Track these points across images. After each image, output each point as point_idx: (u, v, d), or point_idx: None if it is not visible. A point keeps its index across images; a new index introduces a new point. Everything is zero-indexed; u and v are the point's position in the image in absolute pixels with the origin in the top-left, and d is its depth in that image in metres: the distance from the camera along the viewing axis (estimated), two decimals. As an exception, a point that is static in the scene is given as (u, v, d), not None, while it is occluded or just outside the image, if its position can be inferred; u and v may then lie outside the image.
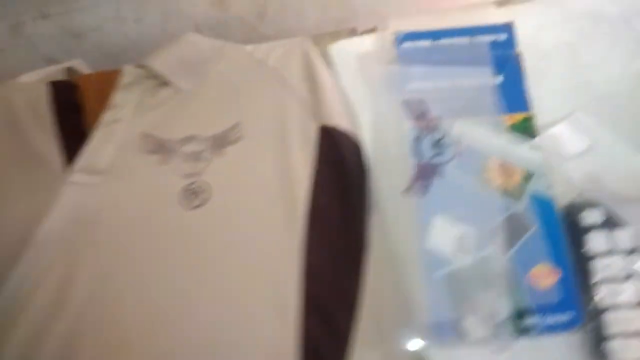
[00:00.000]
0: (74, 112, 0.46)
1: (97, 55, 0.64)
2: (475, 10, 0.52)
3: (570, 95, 0.50)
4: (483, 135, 0.46)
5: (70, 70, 0.49)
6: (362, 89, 0.50)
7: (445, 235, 0.43)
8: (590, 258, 0.43)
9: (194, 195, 0.44)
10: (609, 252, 0.43)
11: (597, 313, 0.41)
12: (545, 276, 0.42)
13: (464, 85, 0.47)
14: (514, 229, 0.43)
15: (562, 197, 0.45)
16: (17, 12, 0.58)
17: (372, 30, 0.52)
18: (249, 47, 0.49)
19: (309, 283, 0.41)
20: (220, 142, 0.46)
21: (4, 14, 0.58)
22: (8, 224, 0.42)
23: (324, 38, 0.52)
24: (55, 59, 0.63)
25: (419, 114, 0.46)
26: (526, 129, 0.46)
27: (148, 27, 0.64)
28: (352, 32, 0.52)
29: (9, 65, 0.62)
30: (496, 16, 0.51)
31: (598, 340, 0.40)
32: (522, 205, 0.44)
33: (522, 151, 0.46)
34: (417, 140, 0.46)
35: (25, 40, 0.61)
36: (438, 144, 0.45)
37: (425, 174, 0.45)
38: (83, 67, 0.52)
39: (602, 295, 0.41)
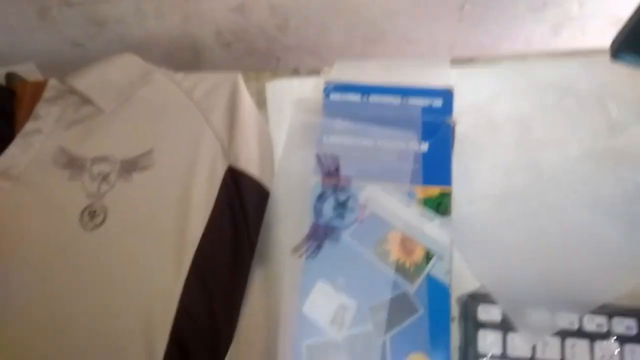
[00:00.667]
0: (4, 119, 0.48)
1: (121, 45, 0.67)
2: (428, 67, 0.49)
3: (511, 173, 0.46)
4: (391, 204, 0.43)
5: (10, 76, 0.51)
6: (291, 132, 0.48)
7: (325, 304, 0.41)
8: (480, 357, 0.39)
9: (91, 216, 0.44)
10: (500, 356, 0.39)
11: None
12: (418, 368, 0.39)
13: (385, 147, 0.45)
14: (399, 309, 0.40)
15: (464, 285, 0.42)
16: None
17: (315, 72, 0.50)
18: (179, 76, 0.49)
19: (179, 326, 0.40)
20: (129, 167, 0.46)
21: (31, -1, 0.61)
22: None
23: (264, 74, 0.51)
24: (81, 43, 0.67)
25: (331, 170, 0.44)
26: (440, 205, 0.43)
27: (169, 25, 0.66)
28: (295, 72, 0.51)
29: (36, 45, 0.67)
30: (447, 77, 0.48)
31: None
32: (414, 287, 0.41)
33: (429, 228, 0.42)
34: (321, 198, 0.44)
35: (51, 24, 0.64)
36: (341, 206, 0.43)
37: (319, 235, 0.42)
38: (33, 72, 0.53)
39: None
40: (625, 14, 0.43)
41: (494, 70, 0.50)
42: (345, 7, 0.65)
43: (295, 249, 0.42)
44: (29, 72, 0.53)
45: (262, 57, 0.72)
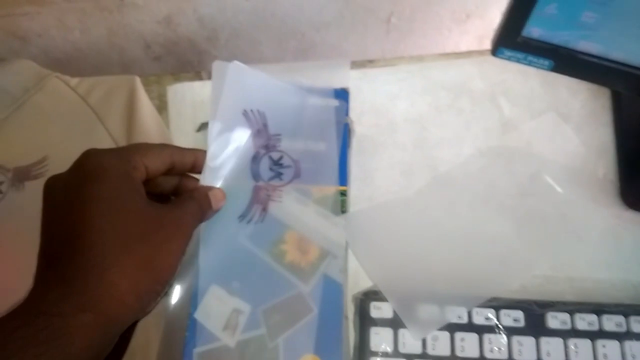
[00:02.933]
0: None
1: (46, 59, 0.65)
2: (329, 68, 0.49)
3: (408, 172, 0.46)
4: (289, 203, 0.43)
5: None
6: (191, 136, 0.48)
7: (218, 309, 0.40)
8: (372, 355, 0.39)
9: (-22, 227, 0.43)
10: (391, 354, 0.39)
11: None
12: (311, 370, 0.39)
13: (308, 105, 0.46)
14: (293, 311, 0.40)
15: (359, 284, 0.42)
16: None
17: (217, 77, 0.50)
18: (75, 80, 0.48)
19: None
20: (22, 176, 0.44)
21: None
22: None
23: (166, 77, 0.50)
24: (4, 58, 0.63)
25: (260, 127, 0.44)
26: (336, 204, 0.43)
27: (95, 38, 0.64)
28: (197, 76, 0.50)
29: None
30: (346, 78, 0.48)
31: None
32: (309, 287, 0.41)
33: (324, 227, 0.42)
34: (255, 159, 0.44)
35: None
36: (277, 164, 0.43)
37: (261, 198, 0.43)
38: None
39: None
40: None
41: (392, 72, 0.51)
42: (274, 19, 0.66)
43: (242, 216, 0.42)
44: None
45: (193, 70, 0.71)
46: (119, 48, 0.66)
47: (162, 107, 0.49)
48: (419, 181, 0.46)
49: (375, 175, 0.46)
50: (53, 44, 0.64)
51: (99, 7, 0.59)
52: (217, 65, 0.43)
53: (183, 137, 0.48)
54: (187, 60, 0.71)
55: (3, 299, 0.40)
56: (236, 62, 0.44)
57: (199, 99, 0.49)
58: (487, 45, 0.72)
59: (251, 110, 0.44)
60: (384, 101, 0.49)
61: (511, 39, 0.39)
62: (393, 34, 0.71)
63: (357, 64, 0.51)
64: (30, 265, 0.41)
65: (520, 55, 0.40)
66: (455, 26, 0.71)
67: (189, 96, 0.49)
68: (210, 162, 0.40)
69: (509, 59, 0.40)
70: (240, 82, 0.44)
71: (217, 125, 0.41)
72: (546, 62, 0.39)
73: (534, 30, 0.37)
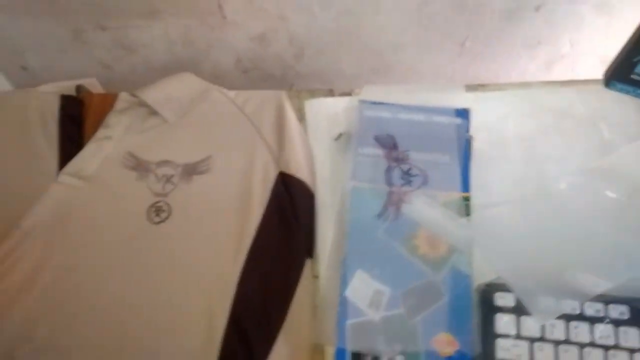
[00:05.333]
0: (75, 125, 0.55)
1: (145, 68, 0.72)
2: (445, 92, 0.57)
3: (519, 184, 0.53)
4: (420, 206, 0.50)
5: (79, 88, 0.58)
6: (327, 144, 0.55)
7: (364, 289, 0.47)
8: (497, 337, 0.45)
9: (157, 212, 0.50)
10: (514, 336, 0.45)
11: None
12: (445, 345, 0.45)
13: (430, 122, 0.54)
14: (426, 295, 0.47)
15: (483, 275, 0.48)
16: (79, 20, 0.66)
17: (347, 93, 0.58)
18: (232, 93, 0.56)
19: (237, 308, 0.46)
20: (190, 170, 0.52)
21: (68, 20, 0.66)
22: (2, 209, 0.50)
23: (303, 94, 0.58)
24: (109, 65, 0.72)
25: (390, 146, 0.53)
26: (460, 208, 0.50)
27: (194, 51, 0.71)
28: (330, 93, 0.58)
29: (70, 65, 0.72)
30: (463, 100, 0.56)
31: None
32: (439, 276, 0.47)
33: (452, 227, 0.49)
34: (388, 171, 0.52)
35: (83, 46, 0.69)
36: (406, 174, 0.51)
37: (394, 201, 0.50)
38: (95, 85, 0.60)
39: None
40: (611, 53, 0.51)
41: (501, 96, 0.58)
42: (357, 40, 0.72)
43: (380, 215, 0.50)
44: (91, 85, 0.60)
45: (276, 83, 0.78)
46: (214, 61, 0.73)
47: (300, 118, 0.57)
48: (529, 191, 0.52)
49: (490, 185, 0.53)
50: (155, 55, 0.71)
51: (203, 23, 0.66)
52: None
53: (319, 146, 0.56)
54: (271, 74, 0.77)
55: (199, 274, 0.48)
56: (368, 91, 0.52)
57: (332, 112, 0.57)
58: (554, 71, 0.78)
59: (381, 135, 0.53)
60: (494, 120, 0.56)
61: (624, 76, 0.45)
62: (465, 57, 0.76)
63: (470, 88, 0.58)
64: (203, 241, 0.49)
65: (630, 88, 0.46)
66: (525, 52, 0.76)
67: (323, 110, 0.57)
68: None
69: (619, 91, 0.47)
70: (373, 112, 0.54)
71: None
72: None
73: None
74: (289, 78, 0.78)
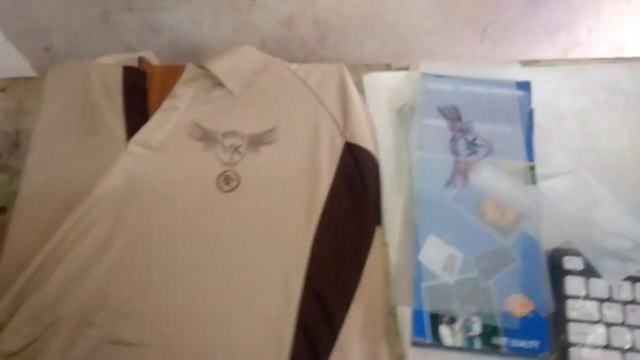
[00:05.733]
0: (139, 95, 0.55)
1: (171, 50, 0.71)
2: (501, 66, 0.58)
3: (576, 155, 0.55)
4: (487, 174, 0.51)
5: (141, 60, 0.58)
6: (387, 116, 0.57)
7: (437, 254, 0.48)
8: (567, 298, 0.47)
9: (226, 181, 0.51)
10: (584, 297, 0.47)
11: (565, 347, 0.45)
12: (519, 306, 0.46)
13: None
14: (498, 259, 0.48)
15: (550, 241, 0.50)
16: (109, 0, 0.65)
17: (404, 68, 0.59)
18: (294, 66, 0.56)
19: (313, 273, 0.47)
20: (257, 141, 0.53)
21: (98, 0, 0.65)
22: (74, 178, 0.50)
23: (360, 68, 0.59)
24: (134, 47, 0.70)
25: (454, 117, 0.54)
26: (527, 176, 0.51)
27: (219, 34, 0.71)
28: (387, 67, 0.59)
29: (94, 46, 0.70)
30: (518, 74, 0.57)
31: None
32: (509, 242, 0.49)
33: (519, 194, 0.51)
34: (453, 141, 0.53)
35: (110, 27, 0.68)
36: (471, 144, 0.53)
37: (461, 170, 0.51)
38: (153, 58, 0.60)
39: (571, 332, 0.46)
40: (628, 41, 0.51)
41: (553, 71, 0.60)
42: (381, 24, 0.71)
43: (448, 183, 0.51)
44: (150, 58, 0.60)
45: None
46: (238, 44, 0.69)
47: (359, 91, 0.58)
48: (586, 163, 0.54)
49: (549, 157, 0.54)
50: (182, 37, 0.70)
51: (232, 5, 0.65)
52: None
53: (379, 117, 0.57)
54: (294, 57, 0.74)
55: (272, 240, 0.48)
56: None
57: (392, 86, 0.58)
58: (570, 57, 0.79)
59: (445, 107, 0.54)
60: (549, 95, 0.58)
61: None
62: (486, 42, 0.76)
63: (523, 63, 0.59)
64: (275, 207, 0.49)
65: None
66: (544, 38, 0.76)
67: (382, 83, 0.58)
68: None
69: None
70: (435, 84, 0.55)
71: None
72: None
73: None
74: (311, 61, 0.75)
